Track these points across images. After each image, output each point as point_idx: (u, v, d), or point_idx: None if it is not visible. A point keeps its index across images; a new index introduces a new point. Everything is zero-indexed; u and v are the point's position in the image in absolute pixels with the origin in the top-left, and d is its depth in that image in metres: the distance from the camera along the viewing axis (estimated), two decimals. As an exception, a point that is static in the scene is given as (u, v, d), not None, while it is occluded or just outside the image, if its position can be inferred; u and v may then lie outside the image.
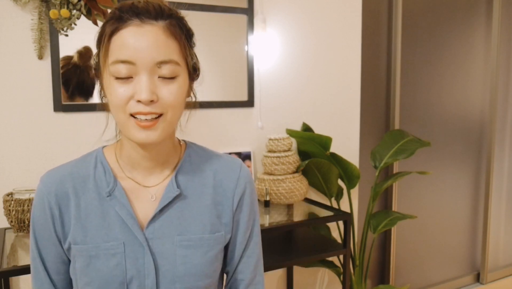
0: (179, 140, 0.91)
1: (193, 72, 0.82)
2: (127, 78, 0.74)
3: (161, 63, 0.73)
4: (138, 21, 0.73)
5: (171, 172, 0.86)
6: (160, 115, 0.76)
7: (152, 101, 0.74)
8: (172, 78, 0.76)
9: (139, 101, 0.74)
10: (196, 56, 0.83)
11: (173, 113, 0.77)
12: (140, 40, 0.72)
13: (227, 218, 0.88)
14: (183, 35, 0.77)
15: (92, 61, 0.80)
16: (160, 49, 0.73)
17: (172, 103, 0.76)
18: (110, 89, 0.75)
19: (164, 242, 0.82)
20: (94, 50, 0.81)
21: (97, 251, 0.80)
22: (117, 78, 0.74)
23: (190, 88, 0.83)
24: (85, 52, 1.70)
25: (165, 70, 0.74)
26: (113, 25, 0.74)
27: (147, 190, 0.84)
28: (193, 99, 0.86)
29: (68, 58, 1.69)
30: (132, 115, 0.75)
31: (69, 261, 0.85)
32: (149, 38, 0.72)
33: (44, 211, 0.82)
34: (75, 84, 1.71)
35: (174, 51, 0.75)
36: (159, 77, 0.74)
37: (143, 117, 0.74)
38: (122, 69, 0.73)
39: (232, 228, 0.89)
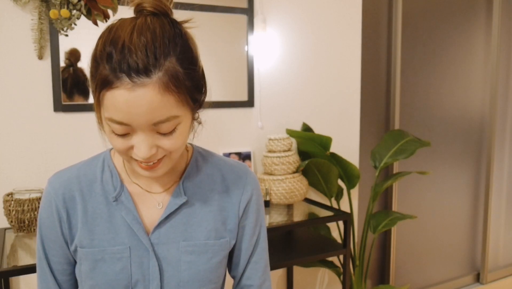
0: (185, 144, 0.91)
1: (196, 106, 0.75)
2: (124, 134, 0.71)
3: (158, 123, 0.68)
4: (129, 83, 0.65)
5: (177, 177, 0.85)
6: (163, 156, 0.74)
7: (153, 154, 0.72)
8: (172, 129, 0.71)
9: None
10: (200, 83, 0.74)
11: (177, 152, 0.75)
12: (133, 107, 0.66)
13: (232, 224, 0.87)
14: (182, 79, 0.69)
15: (88, 74, 0.75)
16: (156, 111, 0.67)
17: (174, 148, 0.73)
18: (108, 135, 0.73)
19: (169, 248, 0.82)
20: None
21: (103, 254, 0.80)
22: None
23: (194, 118, 0.78)
24: (74, 52, 1.70)
25: (164, 127, 0.70)
26: (103, 74, 0.67)
27: (154, 196, 0.84)
28: (198, 124, 0.82)
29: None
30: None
31: (75, 262, 0.85)
32: (143, 104, 0.66)
33: (52, 213, 0.82)
34: (72, 83, 1.71)
35: (173, 105, 0.68)
36: (157, 132, 0.70)
37: (145, 163, 0.73)
38: (118, 128, 0.69)
39: (238, 234, 0.89)
